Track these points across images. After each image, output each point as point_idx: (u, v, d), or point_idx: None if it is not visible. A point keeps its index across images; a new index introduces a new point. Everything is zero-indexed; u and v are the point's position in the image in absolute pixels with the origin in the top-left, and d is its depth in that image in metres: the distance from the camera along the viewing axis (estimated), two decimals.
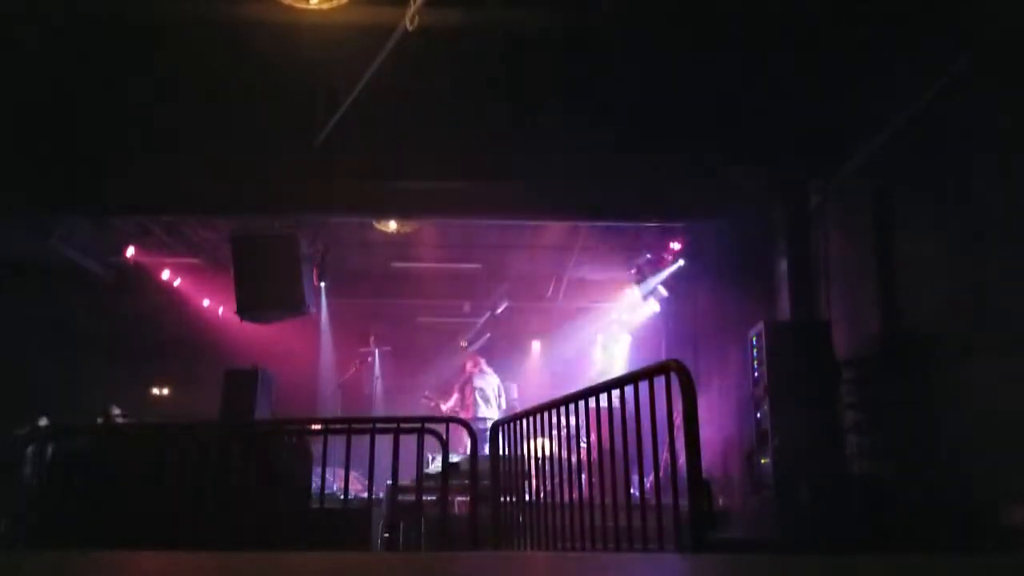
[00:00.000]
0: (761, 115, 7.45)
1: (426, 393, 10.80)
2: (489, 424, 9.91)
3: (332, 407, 11.13)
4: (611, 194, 8.47)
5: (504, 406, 10.75)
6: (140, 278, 11.06)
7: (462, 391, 10.64)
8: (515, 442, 5.52)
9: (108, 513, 5.34)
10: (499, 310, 11.94)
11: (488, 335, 12.15)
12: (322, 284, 10.37)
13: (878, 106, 6.90)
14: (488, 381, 10.74)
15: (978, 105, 5.88)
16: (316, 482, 6.25)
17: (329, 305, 11.78)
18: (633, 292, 11.51)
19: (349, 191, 8.50)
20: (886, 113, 6.82)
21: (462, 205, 8.73)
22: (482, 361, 10.99)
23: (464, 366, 11.05)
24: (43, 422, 8.53)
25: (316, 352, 12.22)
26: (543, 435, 5.18)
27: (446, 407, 10.57)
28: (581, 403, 4.77)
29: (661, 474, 5.76)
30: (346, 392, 11.39)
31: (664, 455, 6.46)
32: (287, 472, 5.77)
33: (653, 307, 11.21)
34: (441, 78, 7.14)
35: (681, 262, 10.23)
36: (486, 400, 10.54)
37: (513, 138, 7.79)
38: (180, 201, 8.76)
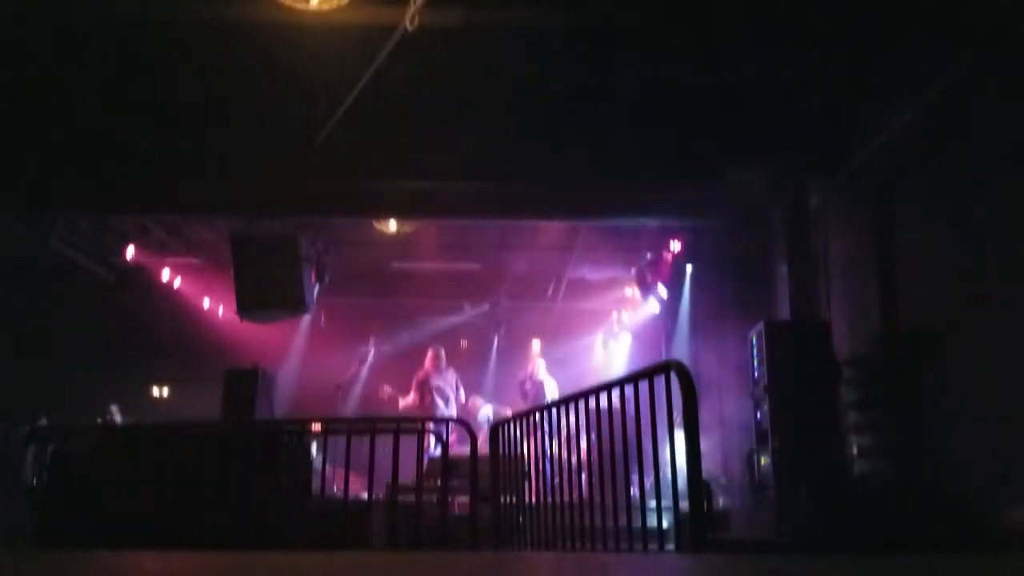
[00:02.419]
0: (761, 115, 7.45)
1: (384, 387, 10.58)
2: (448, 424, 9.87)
3: (332, 407, 11.11)
4: (611, 194, 8.47)
5: (463, 400, 10.49)
6: (140, 278, 11.05)
7: (419, 391, 10.26)
8: (515, 442, 5.52)
9: (108, 513, 5.34)
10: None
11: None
12: (316, 284, 10.27)
13: (879, 106, 6.90)
14: (446, 378, 10.42)
15: (979, 105, 5.88)
16: (316, 482, 6.25)
17: (329, 305, 11.76)
18: (633, 292, 11.52)
19: (349, 191, 8.50)
20: (887, 113, 6.83)
21: (462, 205, 8.73)
22: (441, 356, 10.56)
23: (422, 363, 10.62)
24: (43, 422, 8.53)
25: (316, 352, 12.21)
26: (543, 435, 5.18)
27: (403, 403, 10.34)
28: (581, 403, 4.77)
29: (661, 474, 5.75)
30: (346, 392, 11.38)
31: (664, 455, 6.45)
32: (287, 472, 5.77)
33: (653, 307, 11.20)
34: (441, 78, 7.14)
35: (690, 267, 10.20)
36: (445, 399, 10.21)
37: (513, 138, 7.79)
38: (180, 201, 8.76)
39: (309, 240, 9.85)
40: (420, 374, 10.44)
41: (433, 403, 10.13)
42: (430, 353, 10.57)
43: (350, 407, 11.53)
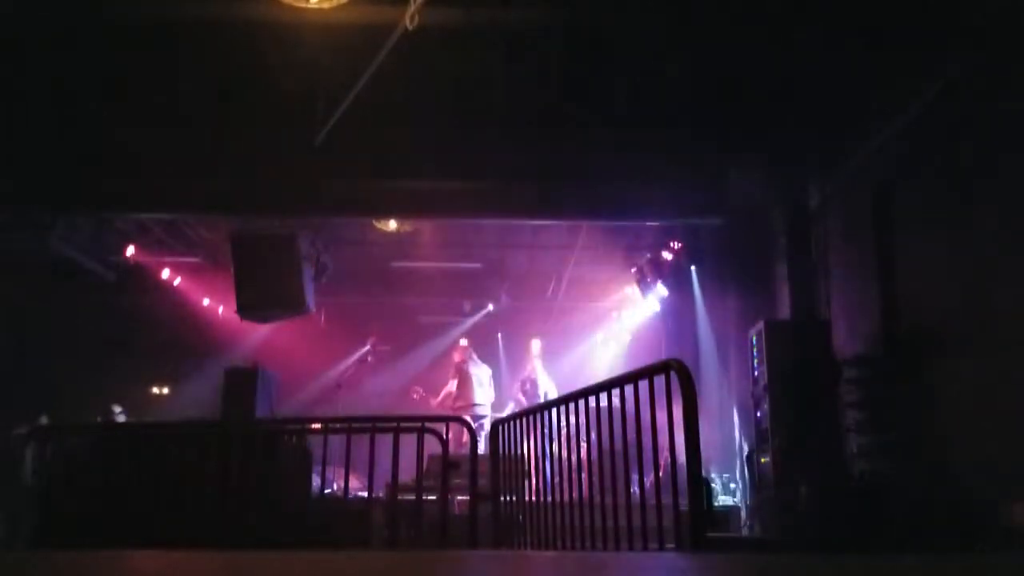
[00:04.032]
0: (761, 115, 7.45)
1: (417, 389, 10.71)
2: (486, 412, 10.01)
3: (332, 407, 11.11)
4: (611, 194, 8.47)
5: (493, 397, 10.67)
6: (140, 278, 11.05)
7: (458, 378, 10.46)
8: (515, 442, 5.52)
9: (108, 513, 5.34)
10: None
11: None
12: (312, 284, 10.24)
13: (878, 106, 6.90)
14: (482, 369, 10.64)
15: (978, 105, 5.88)
16: (316, 482, 6.25)
17: (329, 305, 11.76)
18: (633, 292, 11.51)
19: (349, 191, 8.50)
20: (886, 113, 6.83)
21: (462, 205, 8.73)
22: (471, 351, 10.81)
23: (453, 357, 10.87)
24: (43, 422, 8.53)
25: (316, 352, 12.21)
26: (543, 435, 5.18)
27: (437, 400, 10.44)
28: (581, 402, 4.77)
29: (661, 473, 5.75)
30: (346, 392, 11.38)
31: (664, 454, 6.46)
32: (287, 472, 5.77)
33: (653, 307, 11.20)
34: (441, 78, 7.14)
35: (694, 268, 10.19)
36: (481, 386, 10.44)
37: (513, 138, 7.79)
38: (180, 201, 8.77)
39: (309, 240, 9.85)
40: (456, 362, 10.65)
41: (471, 389, 10.32)
42: (461, 350, 10.78)
43: (350, 406, 11.54)
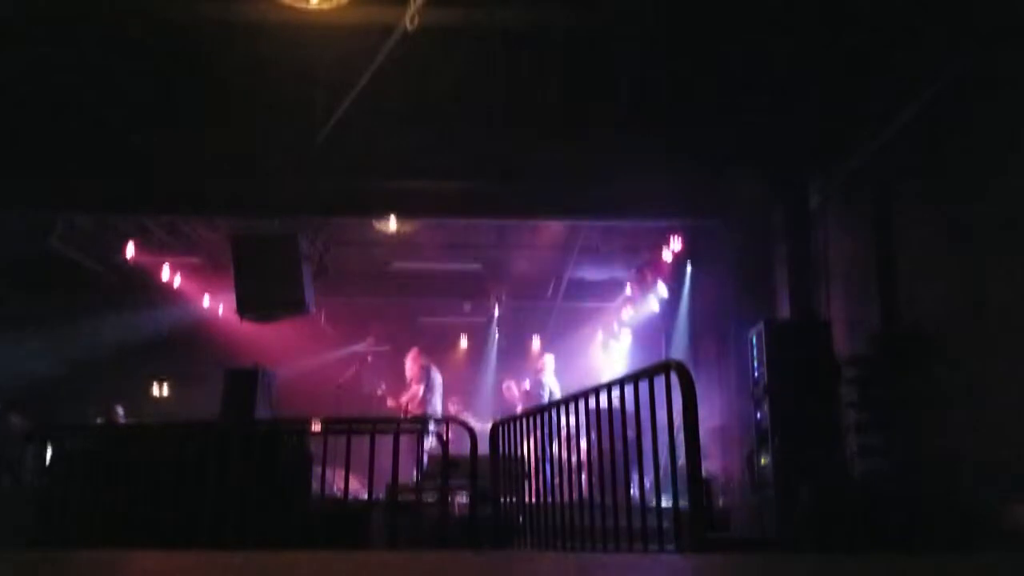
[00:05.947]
0: (761, 115, 7.45)
1: (380, 385, 10.62)
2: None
3: (332, 407, 11.11)
4: (611, 194, 8.47)
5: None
6: (140, 278, 11.05)
7: (425, 384, 10.34)
8: (515, 442, 5.52)
9: (108, 513, 5.34)
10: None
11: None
12: (312, 284, 10.19)
13: (878, 106, 6.91)
14: (436, 376, 10.59)
15: (978, 105, 5.88)
16: (316, 482, 6.25)
17: (329, 305, 11.76)
18: (633, 292, 11.51)
19: (349, 191, 8.51)
20: (886, 113, 6.83)
21: (462, 205, 8.73)
22: (422, 356, 10.70)
23: (410, 363, 10.61)
24: (41, 422, 8.53)
25: (316, 352, 12.21)
26: (543, 435, 5.18)
27: (402, 401, 10.35)
28: (581, 403, 4.77)
29: (661, 474, 5.74)
30: (346, 392, 11.39)
31: (664, 455, 6.46)
32: (287, 472, 5.77)
33: (653, 307, 11.20)
34: (441, 78, 7.15)
35: (689, 266, 10.17)
36: (441, 395, 10.45)
37: (513, 138, 7.79)
38: (180, 201, 8.77)
39: (309, 240, 9.84)
40: (423, 366, 10.51)
41: (438, 398, 10.31)
42: (415, 356, 10.63)
43: (350, 406, 11.54)
